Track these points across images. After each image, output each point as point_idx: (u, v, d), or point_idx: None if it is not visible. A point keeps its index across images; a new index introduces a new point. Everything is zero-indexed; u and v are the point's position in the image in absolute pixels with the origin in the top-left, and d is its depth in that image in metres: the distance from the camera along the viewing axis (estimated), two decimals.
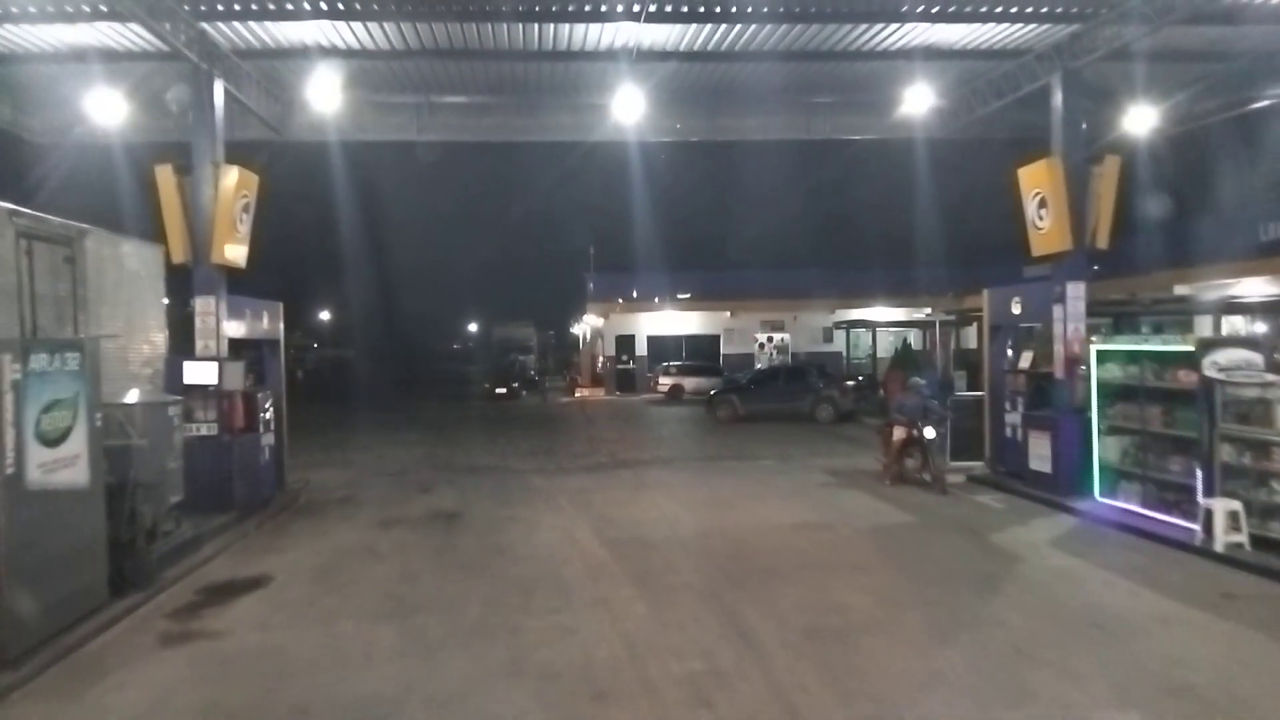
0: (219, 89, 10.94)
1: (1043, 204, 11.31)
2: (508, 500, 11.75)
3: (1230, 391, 8.37)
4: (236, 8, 10.14)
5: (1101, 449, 10.15)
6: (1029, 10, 10.71)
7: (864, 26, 11.09)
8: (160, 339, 11.51)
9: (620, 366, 35.39)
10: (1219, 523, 8.06)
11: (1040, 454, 11.20)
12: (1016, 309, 12.39)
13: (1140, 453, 9.64)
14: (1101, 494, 10.11)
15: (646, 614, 6.77)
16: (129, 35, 10.72)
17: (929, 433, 11.91)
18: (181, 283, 11.33)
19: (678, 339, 35.44)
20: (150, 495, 7.85)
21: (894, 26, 11.07)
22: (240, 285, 12.03)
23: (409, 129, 14.29)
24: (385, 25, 10.79)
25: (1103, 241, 11.25)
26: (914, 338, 29.49)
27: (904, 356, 24.36)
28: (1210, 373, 8.45)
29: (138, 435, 7.85)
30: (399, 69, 12.62)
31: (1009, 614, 6.64)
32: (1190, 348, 8.80)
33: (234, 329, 11.26)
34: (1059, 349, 11.20)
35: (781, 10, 10.54)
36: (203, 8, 10.08)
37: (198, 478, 9.60)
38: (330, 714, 5.12)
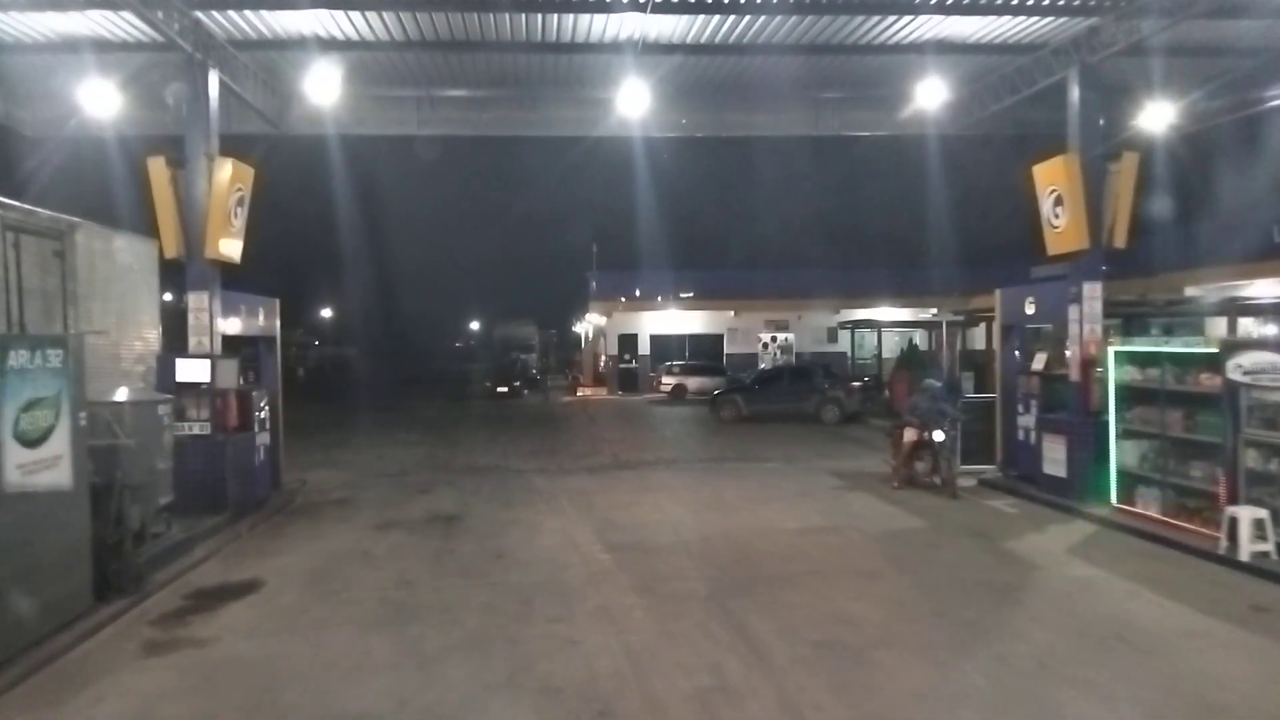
0: (214, 80, 10.68)
1: (1059, 202, 11.02)
2: (508, 502, 11.50)
3: (1255, 395, 8.09)
4: None
5: (1119, 453, 9.88)
6: (1046, 3, 10.42)
7: (876, 18, 10.80)
8: (154, 335, 11.26)
9: (623, 366, 35.12)
10: (1244, 531, 7.78)
11: (1055, 458, 10.92)
12: (1030, 309, 12.10)
13: (1160, 458, 9.36)
14: (1118, 500, 9.84)
15: (651, 624, 6.50)
16: (122, 24, 10.47)
17: (938, 436, 11.63)
18: (177, 278, 11.07)
19: (681, 338, 35.17)
20: (138, 497, 7.59)
21: (907, 19, 10.79)
22: (240, 282, 11.80)
23: (409, 123, 14.02)
24: (384, 15, 10.53)
25: (1120, 240, 10.96)
26: (919, 338, 29.19)
27: (910, 357, 24.07)
28: (1235, 376, 8.18)
29: (126, 435, 7.58)
30: (399, 61, 12.35)
31: (1029, 627, 6.37)
32: (1214, 350, 8.53)
33: (228, 325, 11.01)
34: (1075, 350, 10.92)
35: (792, 1, 10.26)
36: None
37: (190, 478, 9.36)
38: None
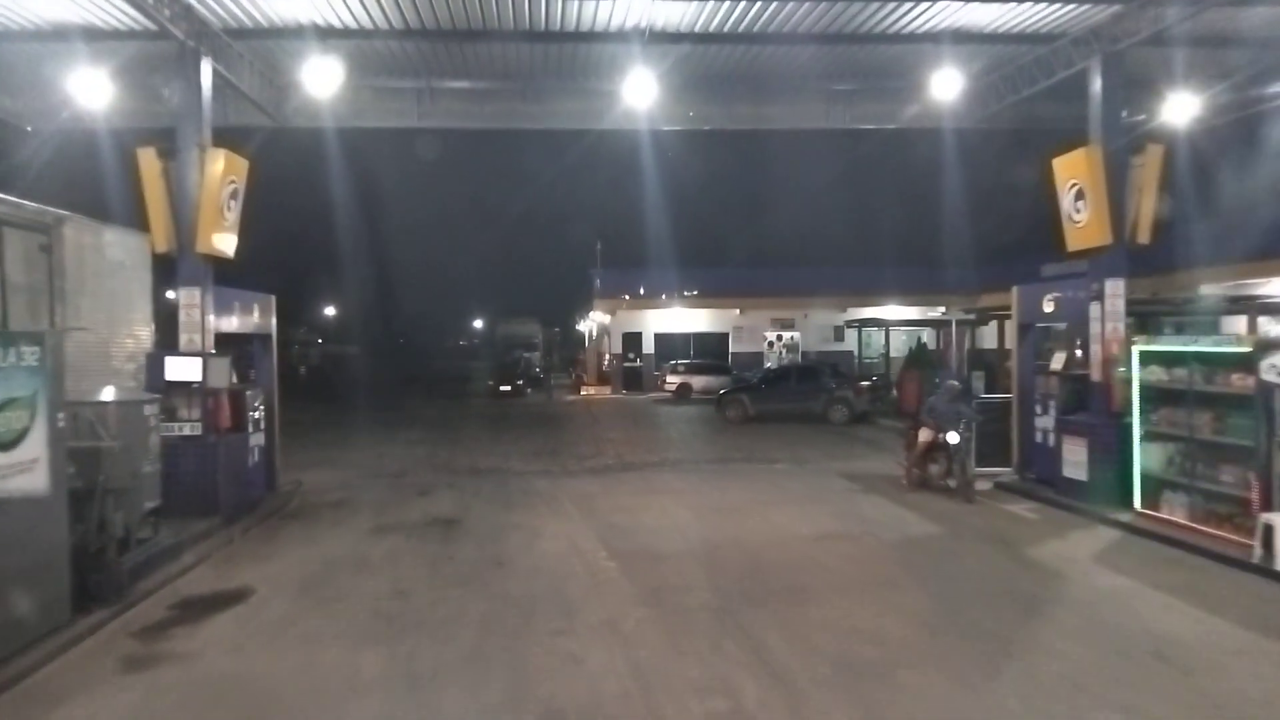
0: (206, 68, 10.33)
1: (1080, 196, 10.64)
2: (509, 505, 11.15)
3: None
4: None
5: (1143, 456, 9.50)
6: None
7: (893, 4, 10.38)
8: (146, 333, 10.94)
9: (627, 364, 34.80)
10: None
11: (1075, 460, 10.55)
12: (1049, 307, 11.72)
13: (1187, 461, 8.98)
14: (1142, 504, 9.46)
15: (659, 639, 6.14)
16: (113, 11, 10.10)
17: (952, 437, 11.26)
18: (174, 274, 10.73)
19: (685, 337, 34.84)
20: (122, 501, 7.27)
21: (925, 5, 10.38)
22: (242, 279, 11.46)
23: (409, 115, 13.64)
24: (383, 1, 10.18)
25: (1144, 236, 10.56)
26: (927, 337, 28.80)
27: (918, 356, 23.68)
28: (1269, 376, 7.80)
29: (110, 436, 7.24)
30: (398, 51, 11.99)
31: (1061, 642, 6.00)
32: (1247, 350, 8.15)
33: (222, 322, 10.66)
34: (1097, 350, 10.54)
35: None
36: None
37: (180, 480, 9.05)
38: None
